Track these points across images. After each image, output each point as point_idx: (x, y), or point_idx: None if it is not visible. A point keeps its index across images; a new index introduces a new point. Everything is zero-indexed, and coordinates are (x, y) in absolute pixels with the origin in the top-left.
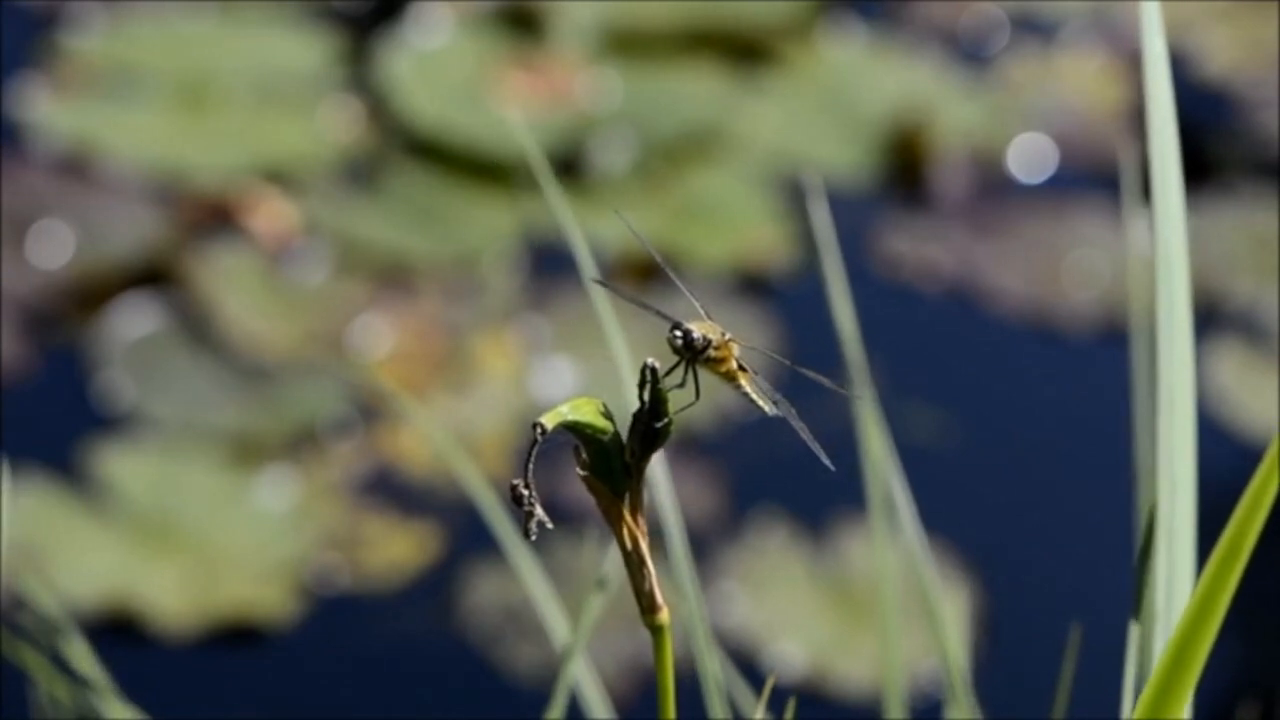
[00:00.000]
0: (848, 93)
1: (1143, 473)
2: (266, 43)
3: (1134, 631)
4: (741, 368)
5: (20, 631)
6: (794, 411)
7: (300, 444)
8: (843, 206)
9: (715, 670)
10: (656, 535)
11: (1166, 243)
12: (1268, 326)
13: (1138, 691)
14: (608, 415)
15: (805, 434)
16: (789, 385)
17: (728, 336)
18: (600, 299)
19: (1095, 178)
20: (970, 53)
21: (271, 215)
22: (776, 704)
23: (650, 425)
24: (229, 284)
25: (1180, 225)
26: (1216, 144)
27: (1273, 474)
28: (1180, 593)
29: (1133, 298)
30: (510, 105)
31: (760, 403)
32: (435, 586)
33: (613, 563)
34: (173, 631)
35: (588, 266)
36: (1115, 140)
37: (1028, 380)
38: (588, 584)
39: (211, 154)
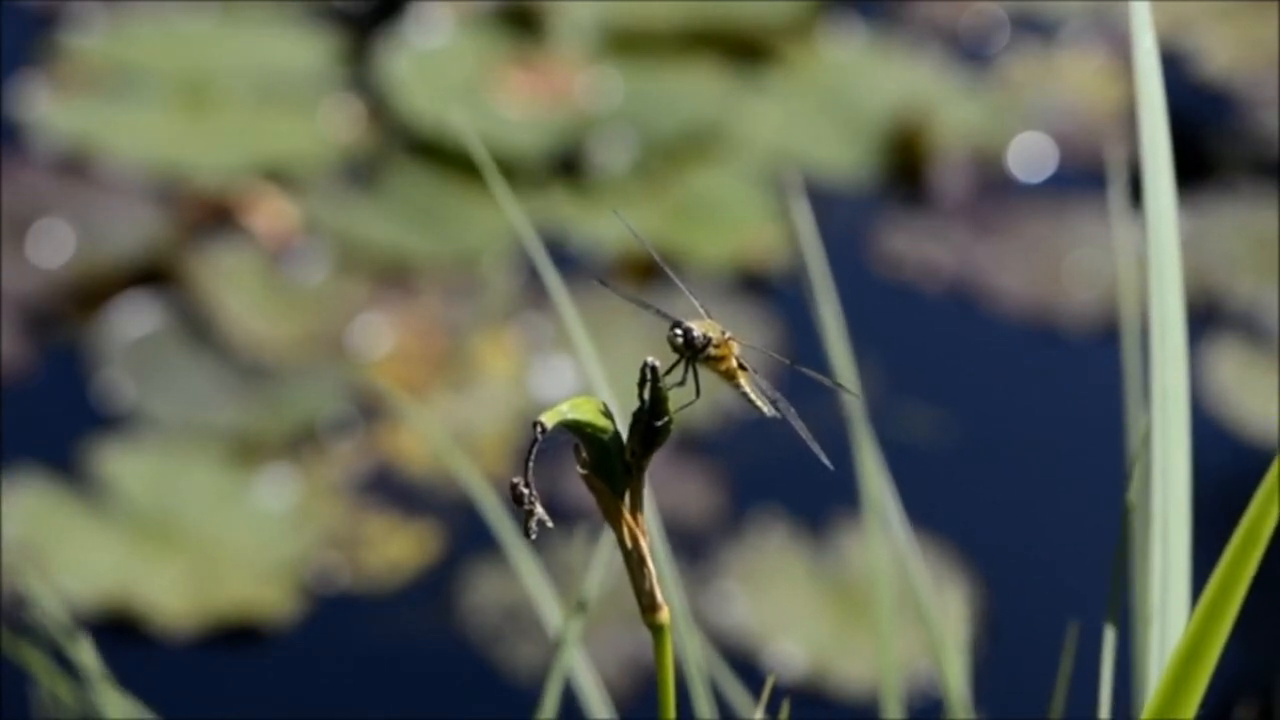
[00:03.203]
0: (848, 93)
1: (1131, 470)
2: (266, 43)
3: (1110, 631)
4: (741, 366)
5: (21, 631)
6: (793, 411)
7: (300, 444)
8: (843, 206)
9: (701, 671)
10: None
11: (1159, 236)
12: (1268, 326)
13: (1117, 690)
14: (608, 414)
15: (804, 433)
16: (789, 384)
17: (727, 335)
18: (568, 310)
19: (1095, 177)
20: (970, 52)
21: (271, 215)
22: (776, 704)
23: (650, 424)
24: (229, 284)
25: (1172, 219)
26: (1216, 144)
27: None
28: (1176, 590)
29: (1123, 296)
30: (509, 104)
31: (759, 402)
32: (435, 586)
33: (606, 568)
34: (173, 631)
35: (548, 268)
36: (1115, 140)
37: (1028, 380)
38: (585, 583)
39: (211, 154)
